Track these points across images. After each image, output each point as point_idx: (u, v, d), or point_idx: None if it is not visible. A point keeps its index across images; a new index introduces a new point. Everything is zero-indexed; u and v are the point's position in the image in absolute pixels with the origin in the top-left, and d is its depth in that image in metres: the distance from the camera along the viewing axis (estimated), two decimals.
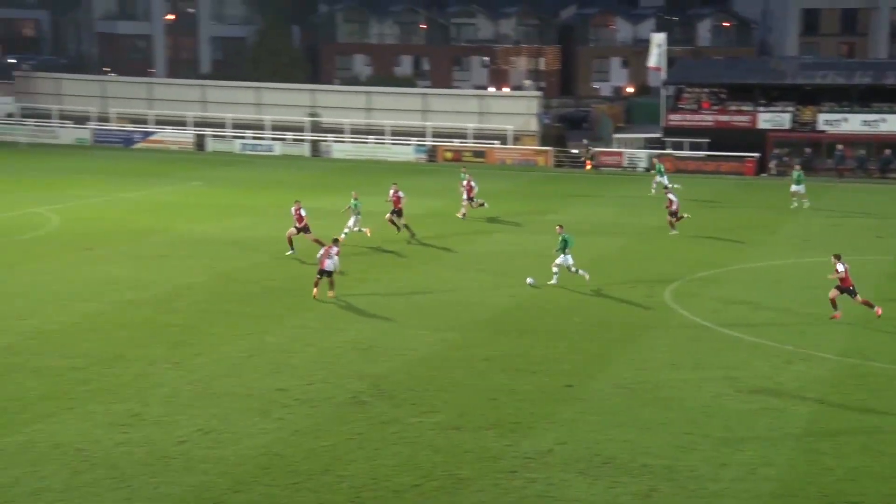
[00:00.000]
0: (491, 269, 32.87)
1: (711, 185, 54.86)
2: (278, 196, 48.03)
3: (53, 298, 28.00)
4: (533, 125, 68.18)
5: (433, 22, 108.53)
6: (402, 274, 32.09)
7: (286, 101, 73.27)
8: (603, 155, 64.14)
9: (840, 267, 26.43)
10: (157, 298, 28.38)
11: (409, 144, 67.24)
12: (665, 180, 48.33)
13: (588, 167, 62.53)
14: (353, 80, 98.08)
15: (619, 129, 71.23)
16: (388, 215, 37.75)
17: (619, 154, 64.05)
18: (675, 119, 64.60)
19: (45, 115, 73.94)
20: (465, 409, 20.25)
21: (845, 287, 26.52)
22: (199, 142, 70.05)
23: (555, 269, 30.14)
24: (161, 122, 72.35)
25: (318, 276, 28.15)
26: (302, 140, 68.63)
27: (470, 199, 42.27)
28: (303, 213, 33.98)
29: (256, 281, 30.34)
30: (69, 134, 71.85)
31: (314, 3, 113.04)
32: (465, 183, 42.79)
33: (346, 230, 36.14)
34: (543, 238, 38.73)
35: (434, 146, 66.76)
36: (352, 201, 36.80)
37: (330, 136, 68.84)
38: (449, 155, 65.77)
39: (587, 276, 30.19)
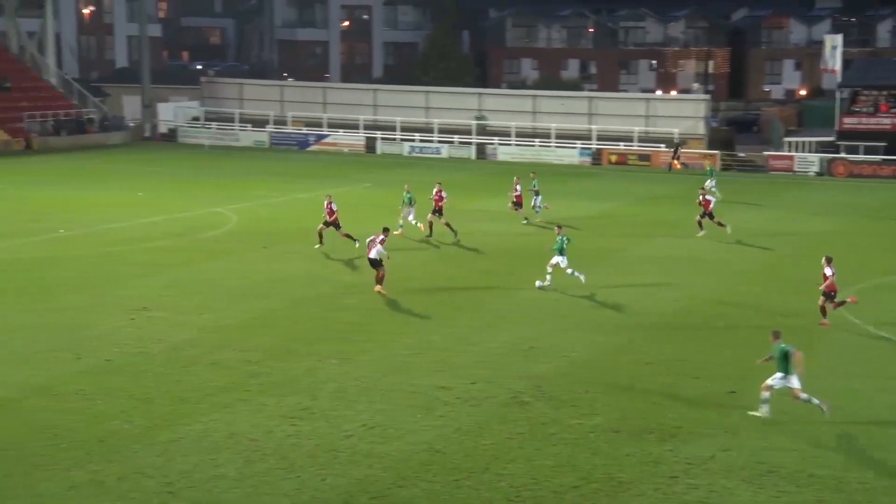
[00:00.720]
0: (654, 273, 32.34)
1: (890, 191, 52.50)
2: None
3: (231, 294, 29.00)
4: (700, 128, 66.72)
5: (601, 26, 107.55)
6: (566, 275, 31.90)
7: (454, 104, 73.89)
8: (773, 159, 62.25)
9: (828, 271, 25.64)
10: (327, 296, 29.05)
11: (574, 147, 66.82)
12: (712, 183, 47.02)
13: (676, 167, 60.87)
14: (521, 84, 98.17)
15: (790, 133, 68.96)
16: (429, 215, 37.45)
17: (791, 158, 62.02)
18: (850, 122, 62.13)
19: (228, 119, 76.73)
20: (625, 413, 19.97)
21: (829, 292, 25.66)
22: (370, 144, 71.38)
23: (549, 269, 29.67)
24: (334, 125, 74.07)
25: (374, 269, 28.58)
26: (468, 143, 69.08)
27: (517, 203, 40.97)
28: (333, 207, 34.49)
29: (423, 280, 30.67)
30: (249, 137, 74.37)
31: (484, 8, 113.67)
32: (531, 188, 41.66)
33: (400, 222, 36.96)
34: (706, 244, 37.80)
35: (599, 149, 66.15)
36: (404, 195, 37.36)
37: (496, 139, 69.08)
38: (614, 158, 65.03)
39: (583, 278, 29.55)
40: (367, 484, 16.72)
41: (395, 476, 17.02)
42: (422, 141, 70.57)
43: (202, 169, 59.76)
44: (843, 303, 26.28)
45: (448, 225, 37.43)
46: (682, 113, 67.67)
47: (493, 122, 71.27)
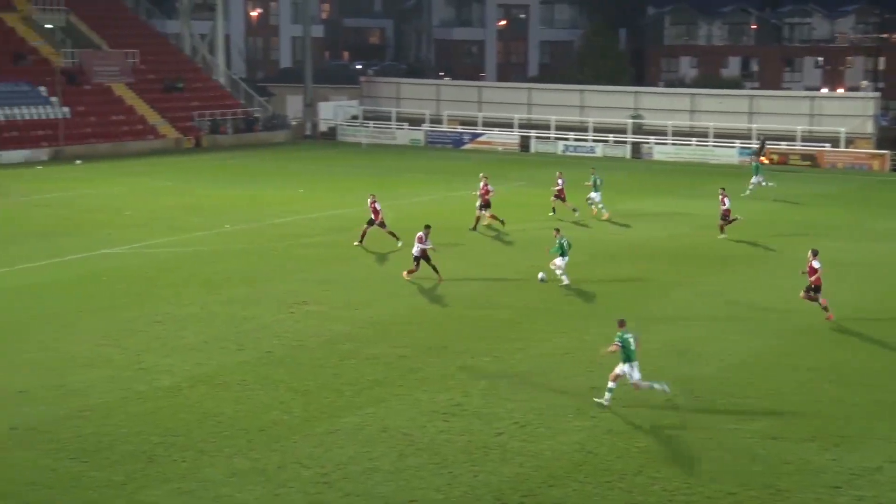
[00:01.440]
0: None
1: None
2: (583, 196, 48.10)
3: (385, 290, 29.37)
4: (868, 127, 64.05)
5: (764, 22, 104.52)
6: (720, 276, 31.09)
7: (609, 103, 73.06)
8: None
9: (816, 264, 25.62)
10: (479, 293, 29.11)
11: (733, 147, 65.12)
12: (758, 179, 46.68)
13: (763, 162, 58.14)
14: (678, 83, 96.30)
15: None
16: (478, 211, 37.79)
17: None
18: None
19: (385, 118, 77.84)
20: (785, 420, 19.30)
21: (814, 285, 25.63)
22: (524, 143, 71.25)
23: (558, 271, 29.80)
24: (488, 124, 74.23)
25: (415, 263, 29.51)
26: (623, 142, 68.19)
27: (559, 197, 41.30)
28: (377, 206, 34.67)
29: (582, 280, 30.38)
30: (405, 135, 75.27)
31: (642, 6, 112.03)
32: (590, 183, 41.42)
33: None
34: (868, 245, 36.26)
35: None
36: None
37: (652, 139, 67.96)
38: (775, 157, 63.07)
39: (566, 280, 29.57)
40: (517, 482, 16.64)
41: (545, 475, 16.88)
42: (576, 140, 70.02)
43: (359, 167, 60.77)
44: (816, 299, 26.02)
45: (494, 217, 38.20)
46: (849, 111, 65.11)
47: (650, 120, 70.13)
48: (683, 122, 69.02)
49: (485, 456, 17.60)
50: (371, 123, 77.37)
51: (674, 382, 21.38)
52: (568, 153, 68.87)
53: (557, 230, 30.93)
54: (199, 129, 71.81)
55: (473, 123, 74.62)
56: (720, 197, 37.66)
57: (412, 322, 26.06)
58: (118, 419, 18.96)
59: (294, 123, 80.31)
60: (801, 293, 26.22)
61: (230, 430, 18.56)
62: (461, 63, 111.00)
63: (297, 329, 25.14)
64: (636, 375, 19.84)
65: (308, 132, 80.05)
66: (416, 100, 79.11)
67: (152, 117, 70.37)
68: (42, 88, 66.13)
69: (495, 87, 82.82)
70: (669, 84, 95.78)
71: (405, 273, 30.23)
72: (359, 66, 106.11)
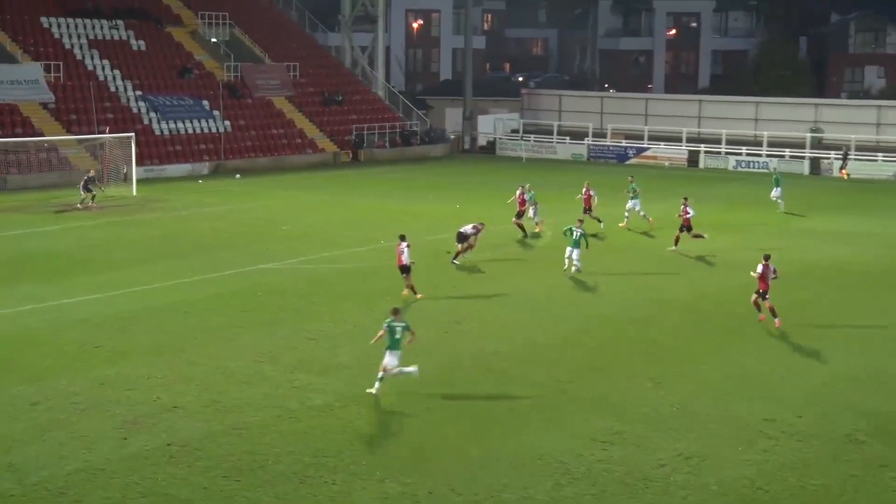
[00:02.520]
0: None
1: None
2: (765, 215, 46.84)
3: (543, 310, 29.24)
4: None
5: None
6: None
7: (786, 115, 71.11)
8: None
9: (759, 268, 26.66)
10: (640, 313, 28.68)
11: None
12: (778, 192, 46.25)
13: (844, 176, 54.85)
14: (863, 94, 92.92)
15: None
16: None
17: None
18: None
19: (546, 131, 77.80)
20: None
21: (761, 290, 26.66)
22: (693, 158, 70.01)
23: (577, 263, 32.89)
24: (655, 138, 73.28)
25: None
26: (801, 157, 66.14)
27: (588, 210, 42.28)
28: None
29: (737, 302, 29.60)
30: (566, 149, 75.02)
31: (825, 12, 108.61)
32: (628, 191, 43.37)
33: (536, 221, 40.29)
34: None
35: None
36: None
37: (832, 153, 65.71)
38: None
39: (576, 268, 32.87)
40: None
41: None
42: (749, 154, 68.36)
43: (519, 182, 60.83)
44: (758, 305, 27.17)
45: (520, 226, 39.92)
46: None
47: (830, 134, 67.82)
48: (869, 136, 66.50)
49: (645, 488, 17.27)
50: (531, 137, 77.44)
51: (854, 416, 20.50)
52: (740, 168, 67.25)
53: (580, 220, 34.14)
54: (363, 144, 73.29)
55: (639, 137, 73.79)
56: (682, 206, 37.41)
57: (568, 343, 25.86)
58: (271, 438, 19.41)
59: (452, 137, 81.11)
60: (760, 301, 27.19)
61: (381, 452, 18.77)
62: (627, 74, 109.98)
63: (450, 349, 25.26)
64: (393, 362, 21.40)
65: (466, 146, 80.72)
66: (579, 112, 78.84)
67: (311, 131, 72.27)
68: (205, 102, 68.76)
69: (663, 100, 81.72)
70: (852, 95, 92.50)
71: (403, 292, 30.15)
72: (520, 78, 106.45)
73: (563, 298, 30.72)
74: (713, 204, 51.24)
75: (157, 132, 65.04)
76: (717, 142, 70.44)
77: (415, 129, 78.28)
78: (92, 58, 67.71)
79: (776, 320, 27.06)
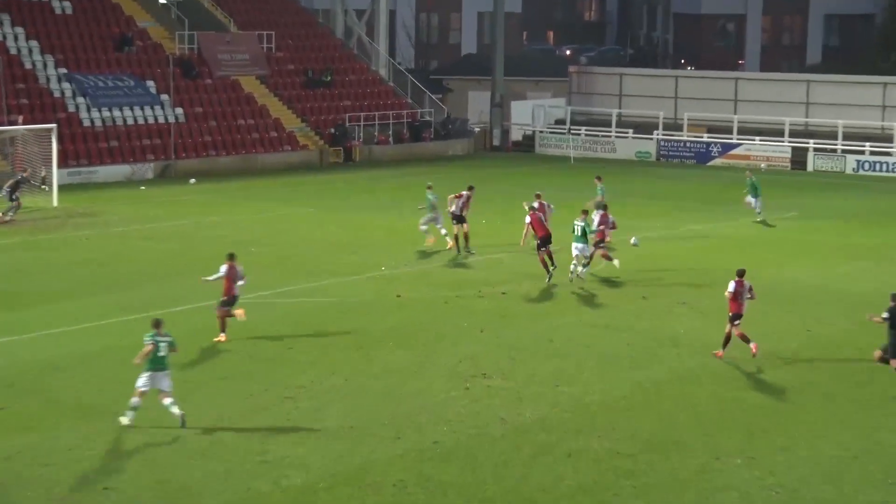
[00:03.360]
0: None
1: None
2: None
3: (597, 359, 29.20)
4: None
5: None
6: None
7: None
8: None
9: (731, 286, 28.94)
10: (728, 367, 28.61)
11: None
12: (754, 202, 50.23)
13: None
14: None
15: None
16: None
17: None
18: None
19: (602, 122, 77.94)
20: None
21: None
22: (799, 157, 69.99)
23: (582, 270, 36.69)
24: (747, 132, 73.34)
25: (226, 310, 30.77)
26: None
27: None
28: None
29: (866, 350, 29.49)
30: (629, 146, 75.16)
31: None
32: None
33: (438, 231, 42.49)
34: None
35: None
36: (428, 193, 42.64)
37: None
38: None
39: (580, 271, 36.86)
40: None
41: None
42: (873, 153, 68.25)
43: (566, 189, 60.89)
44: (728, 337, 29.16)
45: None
46: None
47: None
48: None
49: None
50: (582, 130, 77.61)
51: None
52: (862, 171, 67.19)
53: (585, 212, 37.59)
54: (350, 138, 73.61)
55: (726, 130, 73.86)
56: (598, 216, 38.99)
57: (633, 405, 25.81)
58: None
59: (477, 130, 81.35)
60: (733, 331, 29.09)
61: None
62: (710, 47, 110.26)
63: (474, 411, 25.25)
64: (165, 384, 23.96)
65: (496, 141, 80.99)
66: (646, 97, 79.08)
67: (290, 122, 72.69)
68: (150, 83, 69.30)
69: (759, 80, 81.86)
70: None
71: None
72: (567, 52, 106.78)
73: (618, 342, 30.68)
74: (827, 220, 51.17)
75: (87, 122, 65.55)
76: (832, 136, 70.36)
77: (427, 119, 78.58)
78: (1, 24, 68.29)
79: (751, 345, 28.72)
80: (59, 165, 55.39)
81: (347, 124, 73.61)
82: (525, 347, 30.41)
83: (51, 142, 53.97)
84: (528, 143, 79.63)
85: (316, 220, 50.21)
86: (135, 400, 23.80)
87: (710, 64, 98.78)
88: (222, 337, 30.69)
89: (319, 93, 76.43)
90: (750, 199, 50.61)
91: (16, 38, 67.88)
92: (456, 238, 42.66)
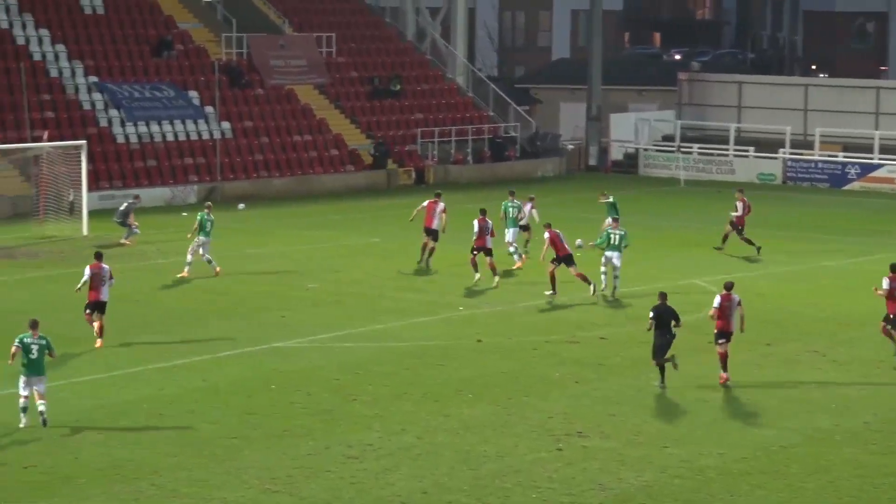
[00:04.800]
0: None
1: None
2: None
3: (713, 417, 29.15)
4: None
5: None
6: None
7: None
8: None
9: (717, 301, 31.75)
10: (866, 427, 28.37)
11: None
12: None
13: None
14: None
15: None
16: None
17: None
18: None
19: (718, 139, 77.48)
20: None
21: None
22: None
23: (602, 270, 41.11)
24: (891, 151, 72.54)
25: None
26: None
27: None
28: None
29: None
30: (749, 167, 74.70)
31: None
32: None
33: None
34: None
35: None
36: (203, 214, 44.46)
37: None
38: None
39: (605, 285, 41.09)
40: None
41: None
42: None
43: (672, 217, 60.75)
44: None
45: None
46: None
47: None
48: None
49: None
50: (694, 148, 77.24)
51: None
52: None
53: (615, 220, 42.11)
54: (422, 156, 73.81)
55: (865, 149, 73.18)
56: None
57: (755, 469, 25.66)
58: None
59: (571, 147, 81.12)
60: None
61: None
62: (846, 50, 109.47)
63: (567, 476, 25.19)
64: (40, 388, 26.78)
65: (593, 161, 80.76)
66: (770, 110, 78.60)
67: (353, 137, 72.97)
68: (192, 94, 69.85)
69: None
70: None
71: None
72: (677, 57, 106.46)
73: (736, 396, 30.47)
74: None
75: (121, 139, 66.12)
76: None
77: (512, 134, 78.55)
78: (24, 26, 69.14)
79: (722, 374, 31.29)
80: (90, 188, 55.72)
81: (420, 140, 73.80)
82: (627, 402, 30.33)
83: (80, 161, 54.32)
84: (630, 162, 79.37)
85: (382, 252, 50.35)
86: (21, 401, 27.05)
87: (846, 70, 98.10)
88: (99, 343, 33.65)
89: (387, 104, 76.69)
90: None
91: (40, 42, 68.52)
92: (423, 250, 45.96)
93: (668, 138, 79.86)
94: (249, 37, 74.37)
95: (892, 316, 33.56)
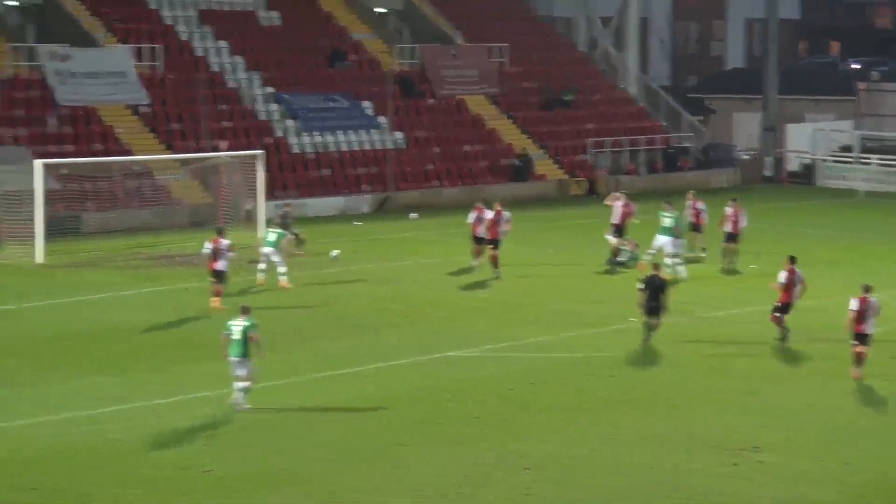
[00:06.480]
0: None
1: None
2: None
3: None
4: None
5: None
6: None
7: None
8: None
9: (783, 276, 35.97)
10: None
11: None
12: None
13: None
14: None
15: None
16: None
17: None
18: None
19: None
20: None
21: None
22: None
23: (668, 260, 43.19)
24: None
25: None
26: None
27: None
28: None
29: None
30: None
31: None
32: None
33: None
34: None
35: None
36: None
37: None
38: None
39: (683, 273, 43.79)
40: None
41: None
42: None
43: (850, 229, 59.75)
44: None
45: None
46: None
47: None
48: None
49: None
50: (874, 159, 75.97)
51: None
52: None
53: (668, 202, 45.41)
54: (594, 167, 73.60)
55: None
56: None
57: None
58: None
59: (745, 158, 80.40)
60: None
61: None
62: None
63: (743, 492, 24.89)
64: (241, 372, 29.18)
65: (768, 171, 79.89)
66: None
67: (525, 147, 72.87)
68: (366, 104, 70.46)
69: None
70: None
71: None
72: (856, 66, 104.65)
73: None
74: None
75: (296, 149, 66.99)
76: None
77: (685, 144, 78.00)
78: (203, 38, 70.45)
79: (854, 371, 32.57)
80: (266, 197, 56.06)
81: (591, 151, 73.57)
82: (803, 416, 29.94)
83: (257, 171, 54.71)
84: (806, 173, 78.36)
85: (554, 263, 50.25)
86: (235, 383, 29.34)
87: None
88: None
89: (559, 114, 76.60)
90: None
91: (219, 54, 69.64)
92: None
93: (846, 149, 78.74)
94: (422, 47, 74.88)
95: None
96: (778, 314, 36.32)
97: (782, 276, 36.05)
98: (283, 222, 48.95)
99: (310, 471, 25.78)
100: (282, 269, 43.15)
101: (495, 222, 45.97)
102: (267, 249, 43.01)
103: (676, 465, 26.39)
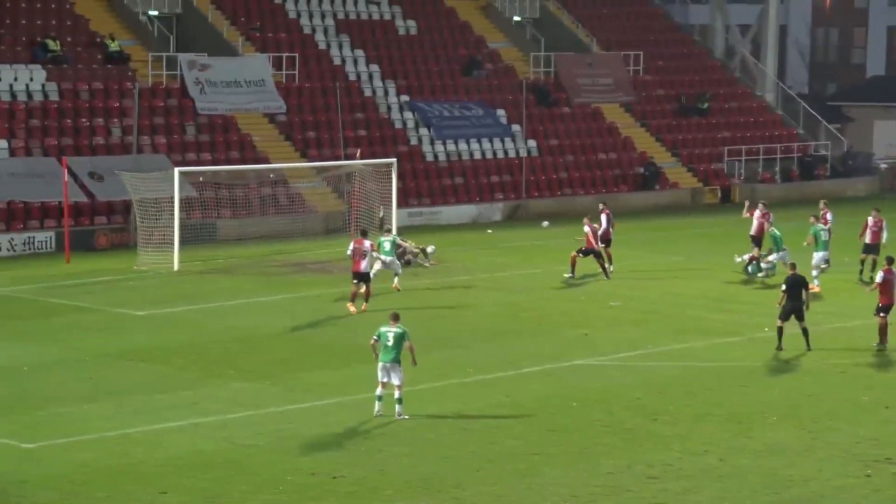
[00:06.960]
0: None
1: None
2: None
3: None
4: None
5: None
6: None
7: None
8: None
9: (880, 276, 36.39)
10: None
11: None
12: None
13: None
14: None
15: None
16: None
17: None
18: None
19: None
20: None
21: None
22: None
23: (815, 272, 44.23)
24: None
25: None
26: None
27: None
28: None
29: None
30: None
31: None
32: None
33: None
34: None
35: None
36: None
37: None
38: None
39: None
40: None
41: None
42: None
43: None
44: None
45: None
46: None
47: None
48: None
49: None
50: None
51: None
52: None
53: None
54: (728, 175, 73.13)
55: None
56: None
57: None
58: None
59: (884, 167, 79.45)
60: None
61: None
62: None
63: (870, 502, 24.68)
64: (394, 380, 29.47)
65: None
66: None
67: (659, 156, 72.80)
68: (500, 112, 70.69)
69: None
70: None
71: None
72: None
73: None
74: None
75: (430, 157, 67.42)
76: None
77: (823, 153, 77.20)
78: (340, 47, 71.09)
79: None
80: (399, 205, 56.53)
81: (726, 159, 73.17)
82: None
83: (390, 179, 54.83)
84: None
85: (685, 272, 50.08)
86: (378, 390, 29.61)
87: None
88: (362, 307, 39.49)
89: (694, 122, 76.30)
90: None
91: (355, 62, 70.19)
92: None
93: None
94: (557, 55, 74.93)
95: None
96: (882, 314, 36.54)
97: (879, 277, 36.96)
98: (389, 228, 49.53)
99: (440, 477, 25.95)
100: (398, 272, 43.59)
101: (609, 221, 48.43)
102: (385, 258, 43.07)
103: (806, 475, 26.21)
